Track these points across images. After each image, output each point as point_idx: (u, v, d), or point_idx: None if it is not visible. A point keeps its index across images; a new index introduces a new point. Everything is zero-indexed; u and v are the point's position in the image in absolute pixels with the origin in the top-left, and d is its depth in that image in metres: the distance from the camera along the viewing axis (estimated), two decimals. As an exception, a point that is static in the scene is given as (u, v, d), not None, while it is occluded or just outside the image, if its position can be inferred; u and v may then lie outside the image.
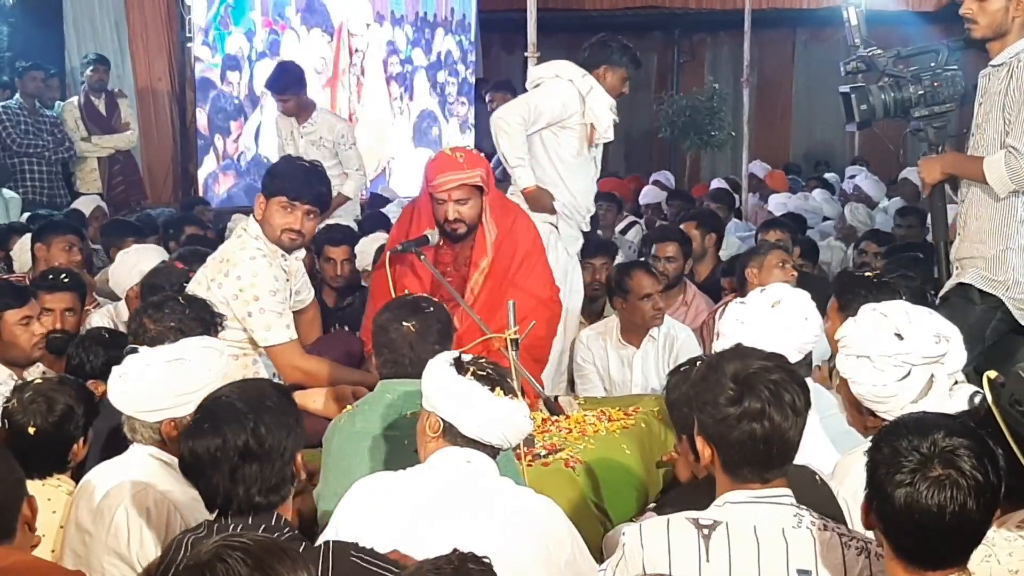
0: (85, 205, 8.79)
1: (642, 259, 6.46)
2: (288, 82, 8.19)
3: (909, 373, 3.18)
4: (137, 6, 10.89)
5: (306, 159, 7.74)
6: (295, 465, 2.86)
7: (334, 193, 7.84)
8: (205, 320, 4.03)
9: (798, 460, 2.85)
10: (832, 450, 3.57)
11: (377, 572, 2.71)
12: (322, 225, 7.72)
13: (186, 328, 3.89)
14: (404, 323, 3.68)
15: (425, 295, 4.07)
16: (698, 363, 3.36)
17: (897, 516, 2.34)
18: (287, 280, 4.56)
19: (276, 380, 4.57)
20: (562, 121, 5.81)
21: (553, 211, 5.78)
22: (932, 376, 3.21)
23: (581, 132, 5.86)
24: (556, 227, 5.83)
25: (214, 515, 2.82)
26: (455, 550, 2.44)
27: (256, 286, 4.37)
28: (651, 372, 5.65)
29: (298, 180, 4.52)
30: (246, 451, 2.76)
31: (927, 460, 2.32)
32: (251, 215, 4.58)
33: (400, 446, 3.51)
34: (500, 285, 4.72)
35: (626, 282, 5.66)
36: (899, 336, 3.18)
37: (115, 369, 3.45)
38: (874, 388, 3.20)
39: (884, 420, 3.19)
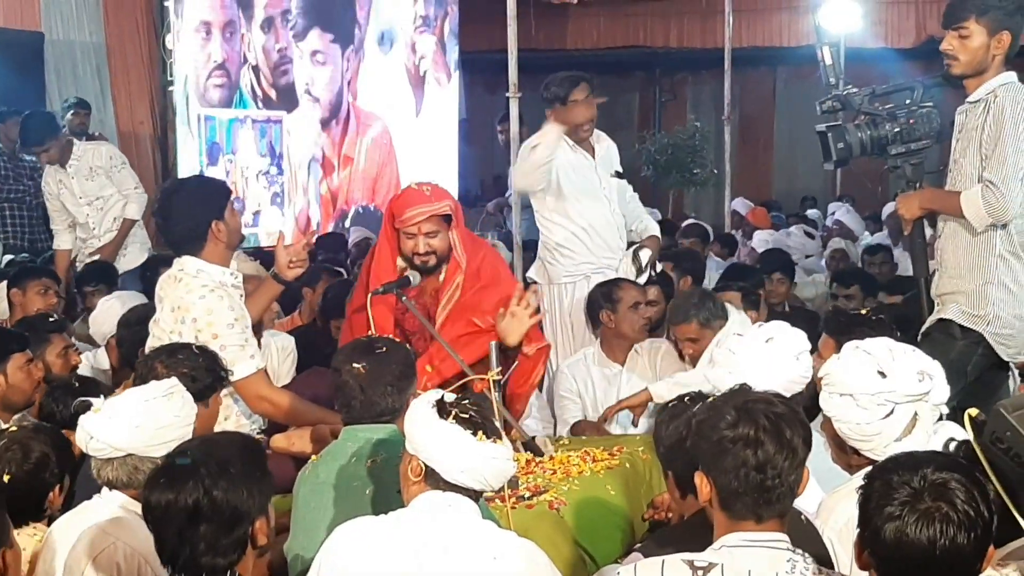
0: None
1: None
2: (44, 132, 8.01)
3: (892, 411, 3.17)
4: (119, 50, 10.89)
5: (89, 196, 8.02)
6: (254, 530, 2.81)
7: (119, 221, 8.05)
8: (216, 371, 3.99)
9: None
10: (817, 489, 3.55)
11: None
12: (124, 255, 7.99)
13: (198, 377, 3.85)
14: (354, 364, 3.60)
15: (384, 336, 4.00)
16: (687, 399, 3.34)
17: (888, 550, 2.33)
18: (241, 296, 4.49)
19: (251, 418, 4.55)
20: None
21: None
22: (916, 414, 3.20)
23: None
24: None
25: (168, 572, 2.79)
26: None
27: (213, 324, 4.28)
28: (641, 386, 5.58)
29: (220, 182, 4.69)
30: (195, 511, 2.73)
31: (918, 494, 2.32)
32: (188, 257, 4.43)
33: (364, 495, 3.45)
34: (462, 309, 4.70)
35: (614, 293, 5.67)
36: (882, 374, 3.17)
37: (89, 416, 3.36)
38: (858, 426, 3.20)
39: (868, 458, 3.18)
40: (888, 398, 3.17)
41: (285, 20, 11.90)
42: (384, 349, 3.67)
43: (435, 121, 14.19)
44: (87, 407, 3.39)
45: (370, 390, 3.57)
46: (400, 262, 4.70)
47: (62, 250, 8.25)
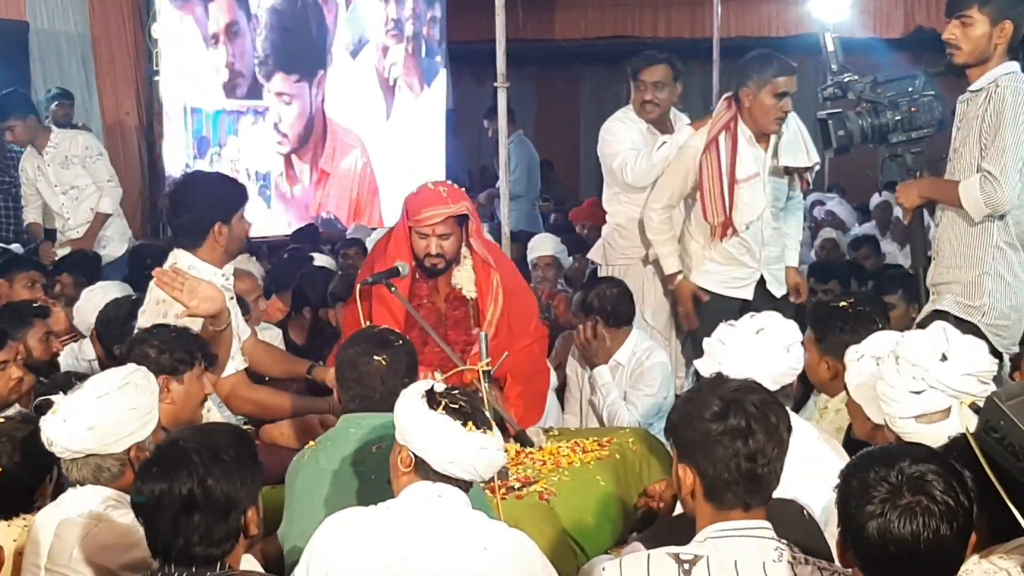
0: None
1: None
2: (9, 107, 8.00)
3: (925, 392, 3.15)
4: (104, 40, 10.83)
5: (64, 184, 8.06)
6: (246, 520, 2.79)
7: (91, 215, 8.07)
8: (208, 354, 3.99)
9: (785, 493, 2.82)
10: (813, 482, 3.52)
11: None
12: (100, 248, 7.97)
13: (194, 360, 3.87)
14: (375, 357, 3.63)
15: (390, 328, 4.02)
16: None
17: (872, 548, 2.32)
18: (232, 299, 4.45)
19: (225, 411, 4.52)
20: None
21: None
22: (950, 408, 3.16)
23: None
24: None
25: (157, 563, 2.76)
26: None
27: (196, 321, 4.25)
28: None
29: (240, 186, 4.60)
30: (190, 501, 2.70)
31: (896, 489, 2.31)
32: (181, 251, 4.41)
33: (366, 482, 3.46)
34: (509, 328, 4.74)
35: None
36: (944, 358, 3.15)
37: (47, 419, 3.27)
38: (891, 388, 3.19)
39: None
40: (926, 380, 3.14)
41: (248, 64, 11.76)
42: (400, 342, 3.74)
43: (409, 125, 14.08)
44: (48, 406, 3.32)
45: (390, 381, 3.60)
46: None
47: (33, 223, 8.35)
